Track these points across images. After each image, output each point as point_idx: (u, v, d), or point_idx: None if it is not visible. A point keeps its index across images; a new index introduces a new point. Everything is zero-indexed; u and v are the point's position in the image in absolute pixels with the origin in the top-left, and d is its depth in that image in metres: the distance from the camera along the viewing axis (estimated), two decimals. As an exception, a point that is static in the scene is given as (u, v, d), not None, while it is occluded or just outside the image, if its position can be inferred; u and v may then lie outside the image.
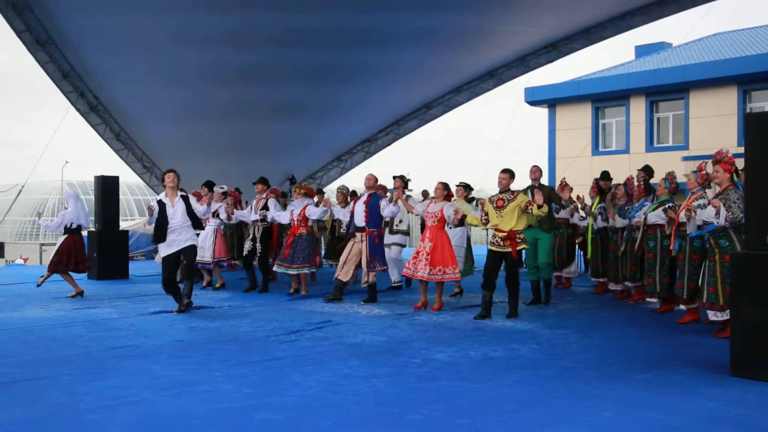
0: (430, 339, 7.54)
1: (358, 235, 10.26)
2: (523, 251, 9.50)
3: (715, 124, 23.49)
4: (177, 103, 15.80)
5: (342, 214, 11.16)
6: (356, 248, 10.29)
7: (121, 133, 17.13)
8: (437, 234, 9.48)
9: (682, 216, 8.04)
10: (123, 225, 17.71)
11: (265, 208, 11.47)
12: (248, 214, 11.78)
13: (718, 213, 7.25)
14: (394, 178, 11.15)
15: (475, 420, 4.71)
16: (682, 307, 8.64)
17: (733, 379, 5.69)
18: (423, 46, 14.80)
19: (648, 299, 9.86)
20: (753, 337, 5.67)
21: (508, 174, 8.89)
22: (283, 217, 11.34)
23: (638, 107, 25.78)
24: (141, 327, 8.34)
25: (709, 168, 7.88)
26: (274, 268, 11.39)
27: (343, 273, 10.38)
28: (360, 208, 10.22)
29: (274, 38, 13.64)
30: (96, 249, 14.04)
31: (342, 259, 10.50)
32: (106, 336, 7.77)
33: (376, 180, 10.60)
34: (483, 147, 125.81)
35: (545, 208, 8.58)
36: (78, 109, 15.96)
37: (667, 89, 24.81)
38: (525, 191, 9.54)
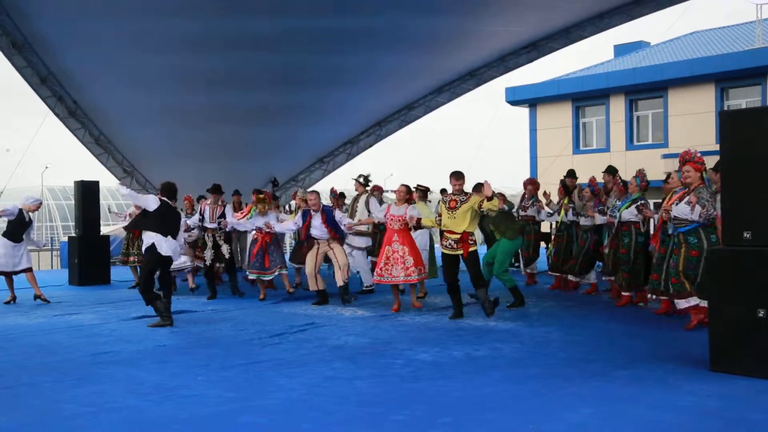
0: (413, 339, 7.55)
1: (322, 242, 10.24)
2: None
3: (693, 121, 23.69)
4: (157, 108, 15.71)
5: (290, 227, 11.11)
6: (321, 252, 10.27)
7: (101, 138, 17.00)
8: (406, 236, 9.53)
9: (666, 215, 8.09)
10: (104, 230, 17.58)
11: (222, 216, 11.38)
12: (244, 223, 11.52)
13: (693, 209, 7.38)
14: (357, 181, 11.37)
15: (458, 419, 4.74)
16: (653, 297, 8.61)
17: (713, 374, 5.76)
18: (403, 47, 14.81)
19: (623, 293, 9.76)
20: (731, 333, 5.74)
21: (460, 178, 8.76)
22: (242, 225, 11.40)
23: (618, 106, 25.95)
24: (123, 332, 8.30)
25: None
26: (250, 277, 11.33)
27: (313, 283, 10.31)
28: (318, 224, 10.14)
29: (253, 42, 13.59)
30: (77, 254, 13.94)
31: (309, 270, 10.29)
32: (88, 342, 7.72)
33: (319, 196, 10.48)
34: (464, 147, 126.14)
35: (495, 201, 8.38)
36: (57, 114, 15.82)
37: (646, 88, 24.98)
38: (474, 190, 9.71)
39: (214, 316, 9.54)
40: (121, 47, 13.51)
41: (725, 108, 23.04)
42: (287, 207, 15.84)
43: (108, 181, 18.29)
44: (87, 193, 14.41)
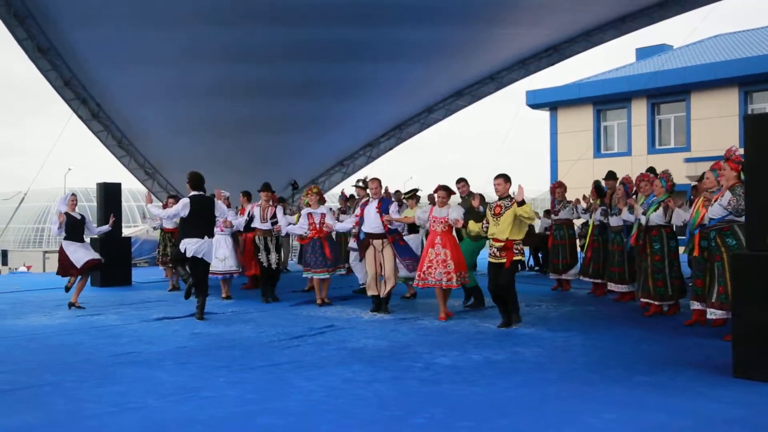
0: (432, 343, 7.54)
1: (377, 243, 9.71)
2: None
3: (716, 125, 23.49)
4: (179, 112, 15.84)
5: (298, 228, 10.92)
6: (377, 256, 9.77)
7: (123, 140, 17.16)
8: (449, 239, 9.07)
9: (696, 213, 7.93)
10: (126, 232, 17.74)
11: (274, 216, 11.02)
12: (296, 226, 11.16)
13: (729, 202, 7.24)
14: (357, 186, 11.28)
15: (477, 423, 4.72)
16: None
17: (736, 381, 5.69)
18: (425, 51, 14.82)
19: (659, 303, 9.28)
20: (755, 339, 5.67)
21: (503, 179, 8.40)
22: (296, 229, 10.95)
23: (640, 109, 25.79)
24: (144, 333, 8.36)
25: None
26: (305, 275, 10.87)
27: (373, 288, 9.81)
28: (373, 213, 9.70)
29: (278, 51, 13.74)
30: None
31: (369, 272, 9.86)
32: (109, 343, 7.78)
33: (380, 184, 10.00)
34: (485, 150, 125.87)
35: (528, 207, 8.14)
36: (80, 117, 15.99)
37: (668, 91, 24.81)
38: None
39: (234, 318, 9.58)
40: (146, 55, 13.67)
41: (749, 112, 22.82)
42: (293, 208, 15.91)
43: (130, 183, 18.46)
44: (109, 195, 14.58)
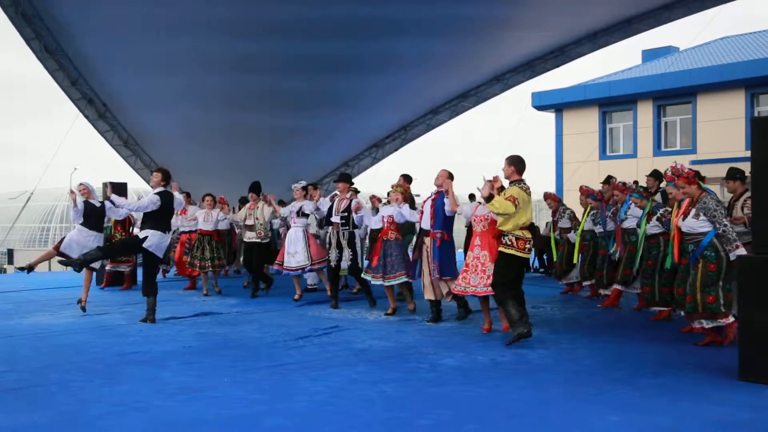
0: (438, 344, 7.54)
1: (427, 240, 9.01)
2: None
3: (722, 128, 23.42)
4: (187, 116, 15.91)
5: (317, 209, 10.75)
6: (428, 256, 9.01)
7: (129, 140, 17.22)
8: (488, 240, 8.09)
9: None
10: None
11: (347, 209, 10.13)
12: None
13: (710, 221, 7.05)
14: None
15: (483, 425, 4.72)
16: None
17: (742, 384, 5.68)
18: (430, 52, 14.83)
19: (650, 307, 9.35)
20: (761, 342, 5.66)
21: (506, 161, 7.65)
22: (373, 222, 10.15)
23: (645, 111, 25.73)
24: (150, 333, 8.37)
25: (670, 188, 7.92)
26: (366, 278, 9.87)
27: (429, 291, 9.04)
28: (426, 209, 9.04)
29: (287, 60, 13.92)
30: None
31: (425, 272, 9.10)
32: (115, 342, 7.80)
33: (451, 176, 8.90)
34: (490, 152, 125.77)
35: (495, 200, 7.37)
36: (87, 116, 16.05)
37: (674, 93, 24.74)
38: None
39: (240, 318, 9.59)
40: (155, 59, 13.77)
41: (755, 114, 22.75)
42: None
43: (136, 183, 18.50)
44: (115, 194, 14.56)
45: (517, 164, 7.57)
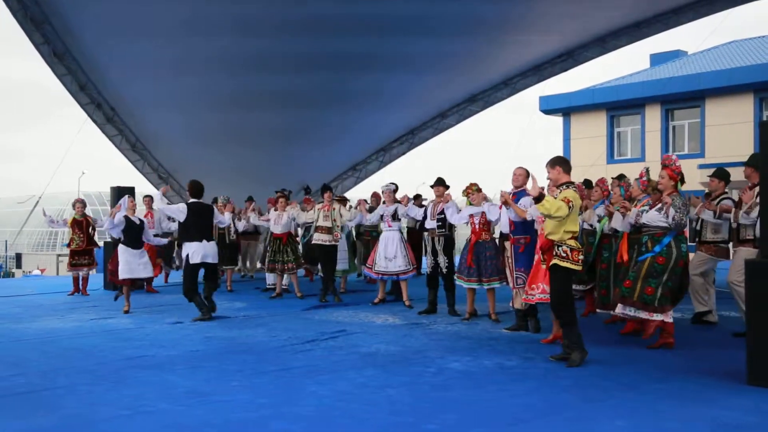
0: (444, 348, 7.53)
1: (507, 244, 8.56)
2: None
3: (730, 132, 23.38)
4: (195, 119, 15.95)
5: (415, 213, 10.54)
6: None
7: (137, 144, 17.27)
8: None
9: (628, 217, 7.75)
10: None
11: (442, 213, 9.79)
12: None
13: (666, 213, 7.22)
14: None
15: (489, 429, 4.71)
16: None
17: (750, 388, 5.66)
18: (438, 59, 14.84)
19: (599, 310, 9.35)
20: (769, 346, 5.64)
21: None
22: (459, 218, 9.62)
23: (653, 115, 25.69)
24: (157, 337, 8.39)
25: (653, 175, 7.95)
26: (458, 282, 9.46)
27: (517, 300, 8.47)
28: (504, 211, 8.44)
29: (295, 61, 13.88)
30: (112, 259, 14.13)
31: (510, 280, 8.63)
32: (123, 346, 7.82)
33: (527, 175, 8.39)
34: (497, 156, 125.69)
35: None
36: (95, 121, 16.09)
37: (682, 97, 24.71)
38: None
39: (247, 322, 9.60)
40: (162, 63, 13.80)
41: (763, 118, 22.69)
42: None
43: (143, 187, 18.56)
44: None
45: (563, 164, 6.74)
